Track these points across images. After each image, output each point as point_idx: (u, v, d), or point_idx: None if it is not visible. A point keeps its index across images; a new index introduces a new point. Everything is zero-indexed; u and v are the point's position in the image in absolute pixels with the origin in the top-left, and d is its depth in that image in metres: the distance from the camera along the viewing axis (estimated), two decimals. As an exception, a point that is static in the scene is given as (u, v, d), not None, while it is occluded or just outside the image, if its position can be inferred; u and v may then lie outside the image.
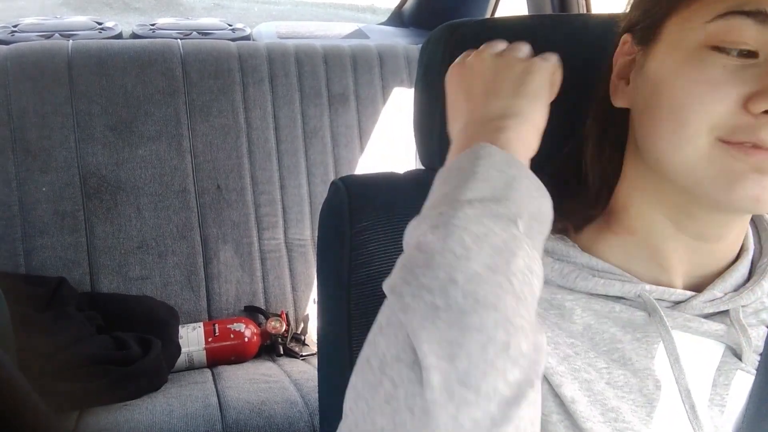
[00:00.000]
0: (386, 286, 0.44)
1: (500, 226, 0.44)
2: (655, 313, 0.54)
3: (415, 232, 0.46)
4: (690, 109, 0.49)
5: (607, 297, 0.56)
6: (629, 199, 0.58)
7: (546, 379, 0.55)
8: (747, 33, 0.48)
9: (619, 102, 0.57)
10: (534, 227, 0.46)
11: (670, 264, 0.57)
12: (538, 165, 0.52)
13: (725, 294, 0.56)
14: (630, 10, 0.58)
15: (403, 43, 2.01)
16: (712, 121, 0.48)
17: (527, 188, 0.47)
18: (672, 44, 0.51)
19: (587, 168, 0.60)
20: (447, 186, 0.47)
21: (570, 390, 0.54)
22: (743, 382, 0.58)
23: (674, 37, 0.51)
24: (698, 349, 0.57)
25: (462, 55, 0.59)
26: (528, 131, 0.51)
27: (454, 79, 0.58)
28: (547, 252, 0.59)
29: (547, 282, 0.58)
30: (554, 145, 0.60)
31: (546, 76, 0.55)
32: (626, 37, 0.57)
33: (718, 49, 0.48)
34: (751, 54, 0.48)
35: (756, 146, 0.48)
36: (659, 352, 0.55)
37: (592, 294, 0.56)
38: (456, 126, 0.55)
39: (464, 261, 0.42)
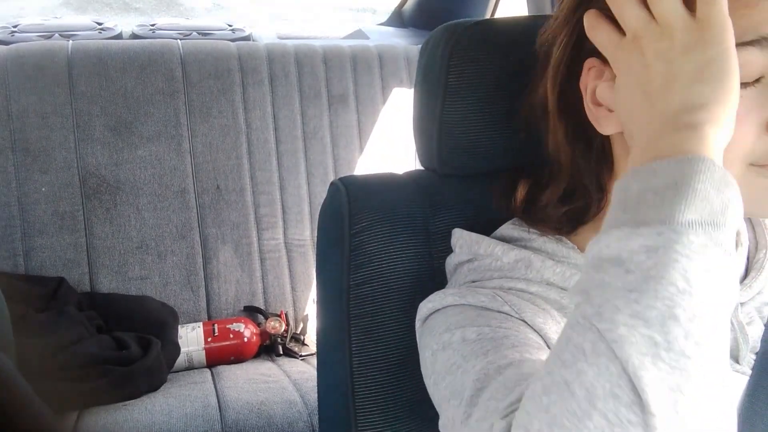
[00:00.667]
0: (580, 299, 0.41)
1: (721, 260, 0.40)
2: None
3: (617, 244, 0.41)
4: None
5: None
6: None
7: (546, 345, 0.55)
8: (754, 61, 0.48)
9: (607, 130, 0.54)
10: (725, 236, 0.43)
11: None
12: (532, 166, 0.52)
13: None
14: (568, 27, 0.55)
15: (403, 43, 2.01)
16: (742, 152, 0.49)
17: (738, 212, 0.42)
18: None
19: (575, 178, 0.59)
20: (656, 196, 0.41)
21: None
22: (739, 383, 0.58)
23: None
24: None
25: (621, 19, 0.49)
26: (723, 120, 0.44)
27: (622, 62, 0.49)
28: (548, 254, 0.59)
29: (550, 284, 0.58)
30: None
31: (728, 43, 0.44)
32: (592, 62, 0.54)
33: None
34: (759, 78, 0.48)
35: None
36: None
37: None
38: (630, 119, 0.48)
39: (687, 297, 0.38)
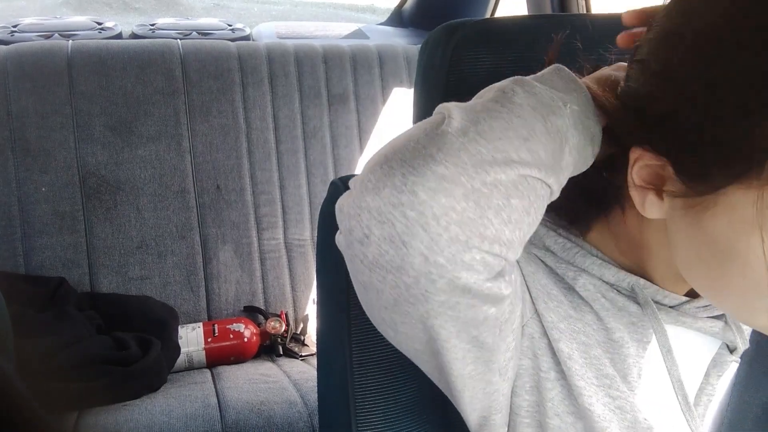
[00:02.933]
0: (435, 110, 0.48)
1: (549, 95, 0.47)
2: (648, 306, 0.54)
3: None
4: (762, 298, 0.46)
5: (602, 280, 0.56)
6: (641, 243, 0.55)
7: (544, 332, 0.55)
8: None
9: (651, 215, 0.50)
10: (580, 129, 0.48)
11: (670, 282, 0.56)
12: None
13: None
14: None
15: (403, 43, 2.01)
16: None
17: (583, 101, 0.49)
18: (744, 221, 0.44)
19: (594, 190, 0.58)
20: None
21: (567, 347, 0.54)
22: (732, 372, 0.59)
23: (747, 214, 0.44)
24: (693, 341, 0.57)
25: None
26: None
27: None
28: (549, 227, 0.59)
29: (550, 250, 0.58)
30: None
31: None
32: (640, 153, 0.48)
33: None
34: None
35: None
36: (651, 340, 0.56)
37: (589, 273, 0.56)
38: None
39: (510, 95, 0.46)
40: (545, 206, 0.47)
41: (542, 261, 0.58)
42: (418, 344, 0.49)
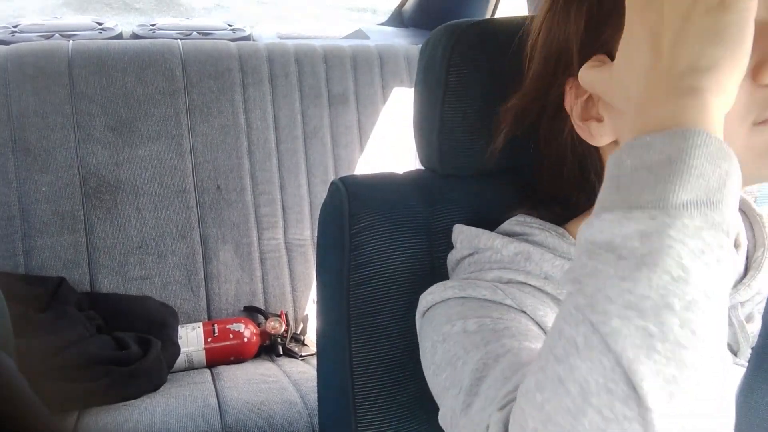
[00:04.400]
0: (571, 288, 0.39)
1: (717, 241, 0.37)
2: None
3: (609, 229, 0.39)
4: None
5: None
6: None
7: (543, 332, 0.55)
8: None
9: (602, 140, 0.55)
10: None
11: None
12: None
13: None
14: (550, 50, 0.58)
15: (403, 43, 2.01)
16: (739, 113, 0.47)
17: (736, 186, 0.39)
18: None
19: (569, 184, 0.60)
20: (650, 175, 0.39)
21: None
22: (736, 375, 0.59)
23: None
24: None
25: None
26: (728, 88, 0.41)
27: (637, 11, 0.45)
28: (549, 249, 0.59)
29: (548, 277, 0.58)
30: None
31: (749, 12, 0.42)
32: (572, 82, 0.56)
33: None
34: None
35: None
36: None
37: None
38: (632, 74, 0.45)
39: (682, 285, 0.36)
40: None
41: (542, 291, 0.58)
42: None
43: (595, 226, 0.40)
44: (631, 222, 0.38)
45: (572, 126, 0.57)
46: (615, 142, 0.55)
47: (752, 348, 0.58)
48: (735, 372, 0.57)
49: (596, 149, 0.58)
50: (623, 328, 0.36)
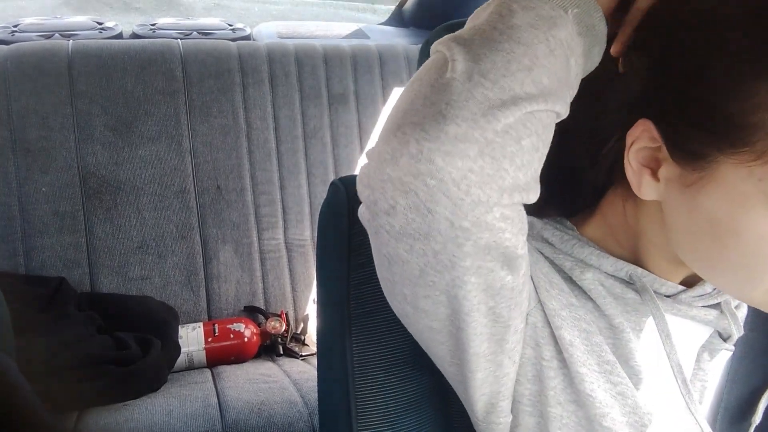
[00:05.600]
0: (431, 48, 0.47)
1: (549, 5, 0.45)
2: (645, 293, 0.55)
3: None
4: (764, 269, 0.48)
5: (599, 270, 0.56)
6: (636, 232, 0.56)
7: (546, 321, 0.55)
8: None
9: (647, 196, 0.51)
10: (584, 34, 0.47)
11: (666, 270, 0.57)
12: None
13: (715, 289, 0.58)
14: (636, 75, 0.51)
15: (403, 43, 2.01)
16: None
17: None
18: (738, 195, 0.47)
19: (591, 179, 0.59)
20: None
21: (569, 334, 0.54)
22: (724, 359, 0.60)
23: (740, 188, 0.46)
24: (685, 329, 0.58)
25: None
26: None
27: None
28: (546, 222, 0.60)
29: (548, 242, 0.58)
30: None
31: None
32: (647, 125, 0.50)
33: None
34: None
35: None
36: (647, 326, 0.56)
37: (587, 263, 0.57)
38: None
39: (507, 17, 0.44)
40: (551, 134, 0.47)
41: (541, 252, 0.58)
42: (436, 322, 0.49)
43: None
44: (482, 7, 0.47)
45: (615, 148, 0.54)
46: (654, 202, 0.53)
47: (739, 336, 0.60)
48: (724, 355, 0.60)
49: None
50: (454, 40, 0.45)
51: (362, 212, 0.47)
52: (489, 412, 0.56)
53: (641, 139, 0.50)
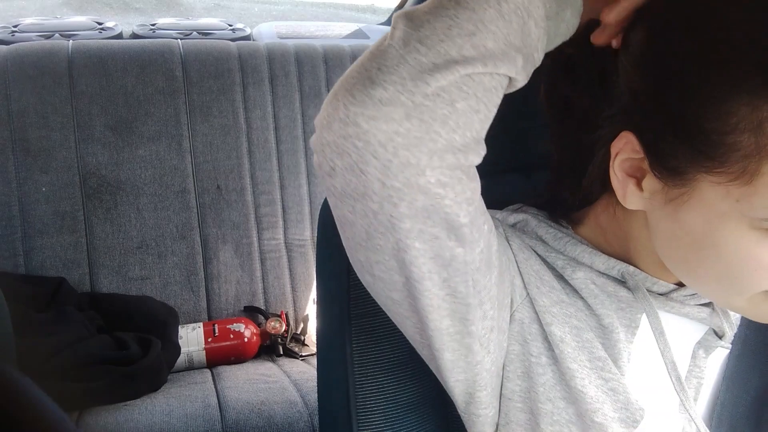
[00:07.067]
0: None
1: None
2: (638, 290, 0.55)
3: None
4: (741, 281, 0.49)
5: (591, 268, 0.56)
6: (626, 235, 0.57)
7: (536, 317, 0.55)
8: None
9: (631, 205, 0.52)
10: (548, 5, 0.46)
11: (657, 271, 0.57)
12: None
13: None
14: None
15: (403, 43, 2.00)
16: (766, 288, 0.49)
17: None
18: (716, 213, 0.47)
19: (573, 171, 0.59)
20: None
21: (560, 330, 0.55)
22: (721, 357, 0.60)
23: (719, 207, 0.47)
24: (680, 326, 0.58)
25: None
26: None
27: None
28: (541, 219, 0.60)
29: (541, 240, 0.58)
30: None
31: None
32: (629, 137, 0.50)
33: None
34: None
35: None
36: (642, 323, 0.56)
37: (579, 261, 0.57)
38: None
39: None
40: (499, 97, 0.46)
41: (534, 250, 0.58)
42: (395, 292, 0.50)
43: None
44: None
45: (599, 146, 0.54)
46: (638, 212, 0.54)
47: (735, 333, 0.60)
48: (719, 352, 0.60)
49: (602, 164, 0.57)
50: (403, 16, 0.45)
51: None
52: (468, 402, 0.56)
53: (624, 151, 0.51)
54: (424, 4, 0.46)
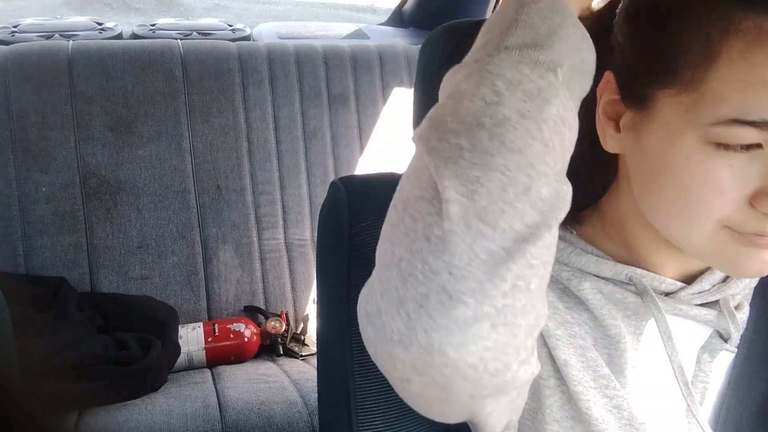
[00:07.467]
0: (415, 135, 0.44)
1: (537, 73, 0.42)
2: (646, 294, 0.55)
3: (449, 82, 0.44)
4: (696, 205, 0.49)
5: (598, 277, 0.57)
6: (623, 220, 0.57)
7: (543, 341, 0.55)
8: (750, 136, 0.46)
9: (610, 148, 0.54)
10: (574, 78, 0.45)
11: (660, 263, 0.57)
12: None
13: (713, 286, 0.58)
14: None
15: (403, 43, 2.01)
16: (720, 216, 0.49)
17: (572, 37, 0.44)
18: (671, 130, 0.49)
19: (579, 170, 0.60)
20: (489, 34, 0.45)
21: (564, 354, 0.55)
22: (726, 360, 0.60)
23: (672, 122, 0.49)
24: (685, 330, 0.58)
25: None
26: None
27: None
28: None
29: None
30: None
31: None
32: (609, 77, 0.53)
33: (723, 146, 0.47)
34: (755, 145, 0.47)
35: (760, 234, 0.49)
36: (647, 330, 0.56)
37: (584, 271, 0.57)
38: None
39: (494, 106, 0.41)
40: (556, 241, 0.44)
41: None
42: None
43: (442, 85, 0.46)
44: (461, 69, 0.44)
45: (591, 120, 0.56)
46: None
47: (741, 336, 0.60)
48: (724, 356, 0.60)
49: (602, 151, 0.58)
50: (439, 146, 0.41)
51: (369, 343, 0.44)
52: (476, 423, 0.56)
53: (606, 92, 0.53)
54: (456, 126, 0.41)
